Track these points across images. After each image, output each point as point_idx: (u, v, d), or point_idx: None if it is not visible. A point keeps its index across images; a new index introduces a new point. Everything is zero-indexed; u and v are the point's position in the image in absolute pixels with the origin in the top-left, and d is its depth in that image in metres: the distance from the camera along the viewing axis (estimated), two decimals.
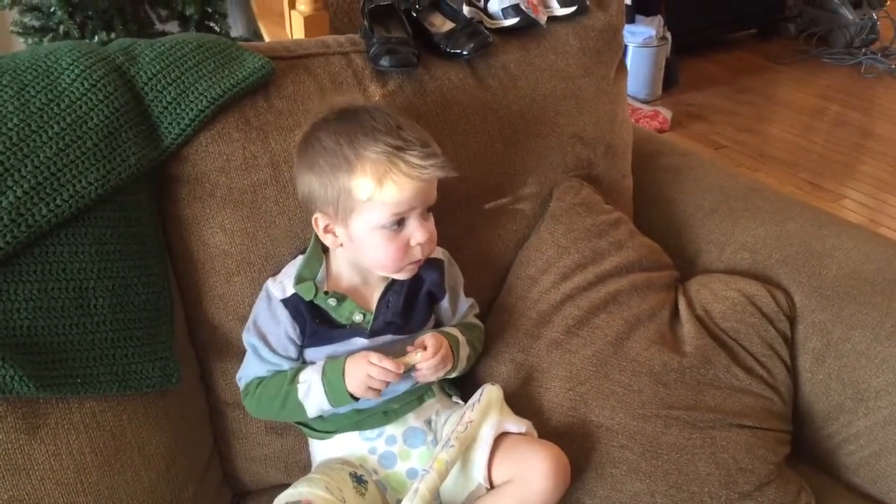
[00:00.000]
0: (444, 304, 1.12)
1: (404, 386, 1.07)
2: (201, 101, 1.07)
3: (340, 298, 1.05)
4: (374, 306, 1.06)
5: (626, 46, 3.39)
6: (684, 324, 1.19)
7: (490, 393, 1.06)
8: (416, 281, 1.08)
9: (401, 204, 0.97)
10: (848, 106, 3.66)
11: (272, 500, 1.00)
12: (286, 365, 1.05)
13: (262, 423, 1.13)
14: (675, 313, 1.21)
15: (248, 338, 1.06)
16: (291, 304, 1.04)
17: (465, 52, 1.21)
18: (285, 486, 1.02)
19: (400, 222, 0.99)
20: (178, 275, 1.11)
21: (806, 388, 1.20)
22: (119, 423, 1.00)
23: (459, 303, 1.14)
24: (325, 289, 1.05)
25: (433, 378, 1.05)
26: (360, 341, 1.05)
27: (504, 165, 1.23)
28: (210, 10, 2.39)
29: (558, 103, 1.27)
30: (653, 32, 3.40)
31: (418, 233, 1.00)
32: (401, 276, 1.04)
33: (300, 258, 1.08)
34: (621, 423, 1.09)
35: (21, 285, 0.94)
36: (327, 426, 1.08)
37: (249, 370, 1.07)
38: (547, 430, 1.08)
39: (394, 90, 1.18)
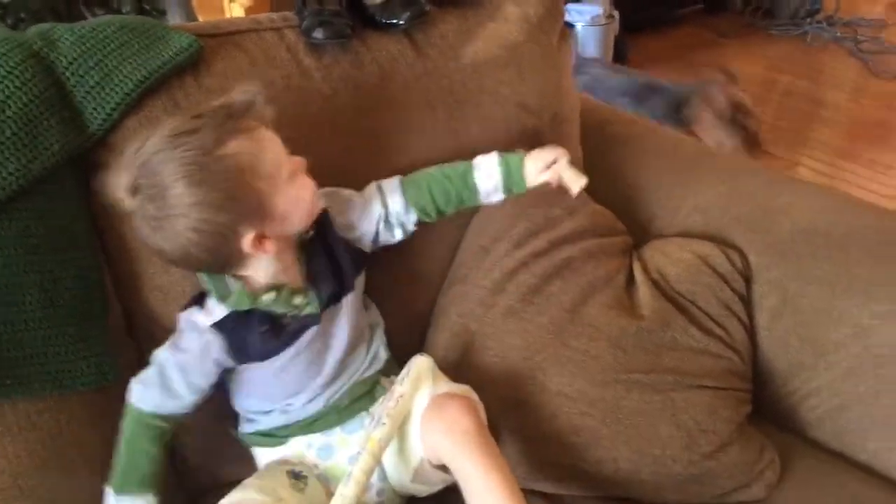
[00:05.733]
0: (363, 218, 1.07)
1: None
2: (126, 83, 1.02)
3: (278, 288, 0.97)
4: (302, 283, 1.00)
5: (573, 25, 3.40)
6: (640, 288, 1.17)
7: (419, 364, 1.01)
8: (318, 236, 1.03)
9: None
10: (796, 75, 3.69)
11: None
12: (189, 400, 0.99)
13: (212, 412, 1.08)
14: (630, 278, 1.19)
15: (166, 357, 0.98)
16: (226, 325, 0.96)
17: (401, 22, 1.17)
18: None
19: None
20: (112, 267, 1.06)
21: (765, 347, 1.18)
22: (56, 424, 0.95)
23: (370, 194, 1.08)
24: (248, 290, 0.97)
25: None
26: (311, 331, 0.99)
27: (448, 137, 1.20)
28: (147, 7, 2.34)
29: (500, 72, 1.23)
30: (600, 10, 3.38)
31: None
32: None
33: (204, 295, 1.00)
34: (581, 390, 1.06)
35: None
36: (280, 432, 1.04)
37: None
38: (506, 400, 1.06)
39: (329, 63, 1.14)
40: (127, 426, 0.98)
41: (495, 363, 1.09)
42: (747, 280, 1.19)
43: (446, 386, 1.01)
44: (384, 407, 0.97)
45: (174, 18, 2.65)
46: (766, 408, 1.18)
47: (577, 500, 1.07)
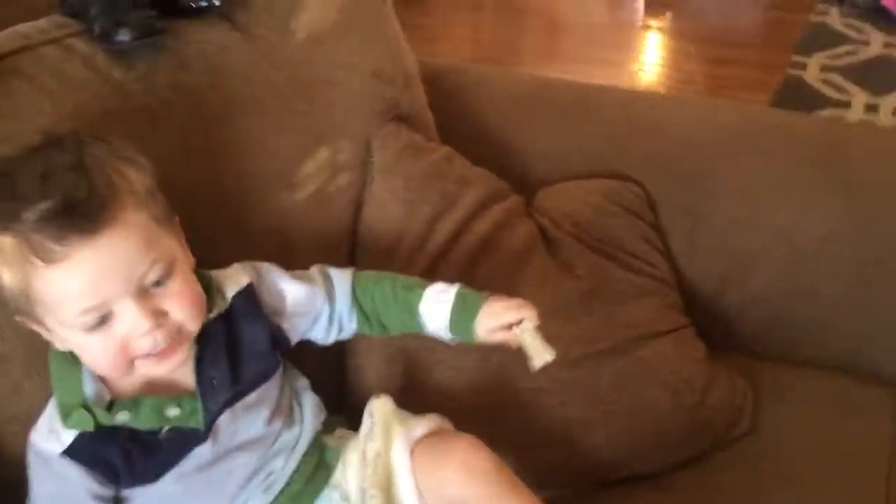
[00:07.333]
0: (303, 308, 0.86)
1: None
2: None
3: (132, 405, 0.74)
4: (193, 384, 0.77)
5: None
6: (562, 247, 1.05)
7: (381, 409, 0.84)
8: (229, 324, 0.80)
9: (70, 302, 0.68)
10: None
11: None
12: None
13: None
14: (546, 239, 1.07)
15: None
16: (80, 451, 0.73)
17: (215, 2, 0.94)
18: None
19: (103, 319, 0.69)
20: None
21: (688, 272, 1.13)
22: None
23: (314, 286, 0.87)
24: (108, 398, 0.74)
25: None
26: (202, 450, 0.76)
27: (310, 128, 0.98)
28: None
29: (344, 40, 1.04)
30: None
31: (135, 322, 0.69)
32: (154, 370, 0.74)
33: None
34: (553, 377, 0.93)
35: None
36: None
37: None
38: (478, 415, 0.91)
39: (146, 71, 0.88)
40: None
41: (452, 377, 0.93)
42: (653, 209, 1.13)
43: (420, 425, 0.83)
44: (362, 475, 0.79)
45: None
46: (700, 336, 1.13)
47: (583, 497, 0.95)
